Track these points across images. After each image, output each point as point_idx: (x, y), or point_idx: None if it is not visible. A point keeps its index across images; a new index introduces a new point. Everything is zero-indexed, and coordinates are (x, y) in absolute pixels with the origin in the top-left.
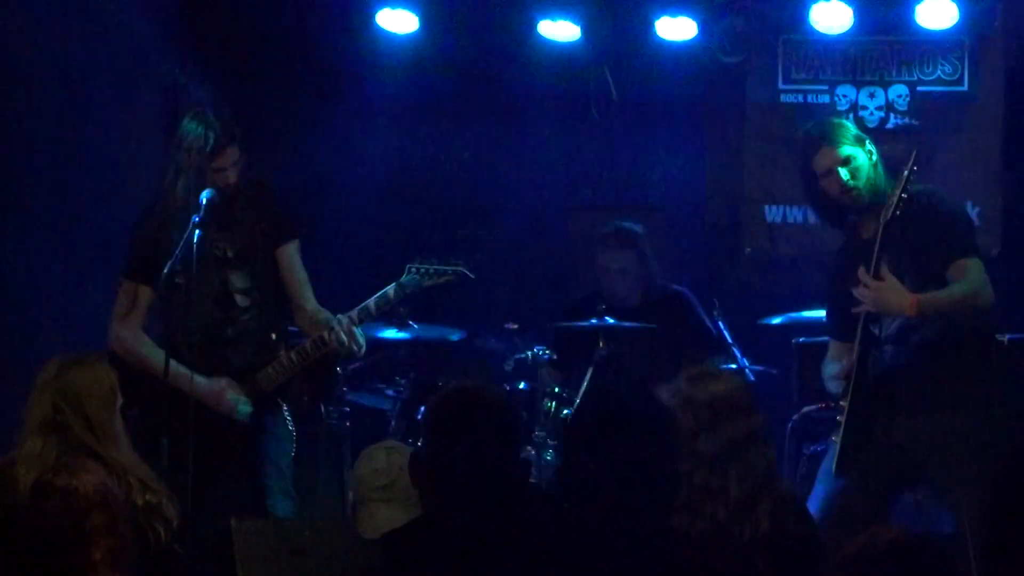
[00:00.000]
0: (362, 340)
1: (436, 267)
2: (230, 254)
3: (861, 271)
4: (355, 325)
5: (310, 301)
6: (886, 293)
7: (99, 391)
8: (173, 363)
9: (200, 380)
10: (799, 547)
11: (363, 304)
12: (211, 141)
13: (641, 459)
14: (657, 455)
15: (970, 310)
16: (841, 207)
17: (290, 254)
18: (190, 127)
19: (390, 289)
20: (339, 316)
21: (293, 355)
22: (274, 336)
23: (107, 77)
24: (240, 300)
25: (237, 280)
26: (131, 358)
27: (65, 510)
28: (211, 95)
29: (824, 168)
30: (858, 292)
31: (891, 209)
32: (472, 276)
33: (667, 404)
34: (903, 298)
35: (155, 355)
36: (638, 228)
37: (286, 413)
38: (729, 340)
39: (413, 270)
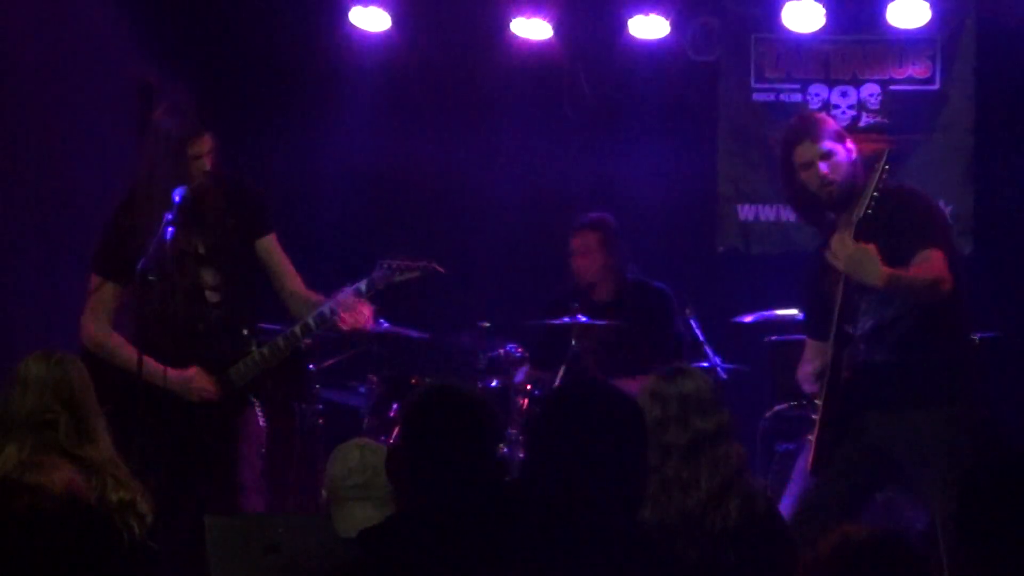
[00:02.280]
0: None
1: (406, 262)
2: (201, 250)
3: (842, 234)
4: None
5: (300, 286)
6: (862, 255)
7: (85, 385)
8: (146, 358)
9: (172, 372)
10: (768, 540)
11: (334, 300)
12: (186, 128)
13: (607, 452)
14: (623, 447)
15: (930, 296)
16: (819, 203)
17: (270, 245)
18: (164, 118)
19: (361, 284)
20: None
21: (265, 350)
22: (246, 332)
23: (81, 78)
24: (211, 296)
25: (208, 276)
26: (102, 354)
27: (33, 508)
28: (183, 93)
29: (804, 161)
30: (832, 252)
31: (864, 207)
32: (442, 272)
33: (636, 397)
34: (876, 267)
35: (126, 350)
36: (608, 216)
37: (258, 409)
38: (701, 338)
39: (384, 265)
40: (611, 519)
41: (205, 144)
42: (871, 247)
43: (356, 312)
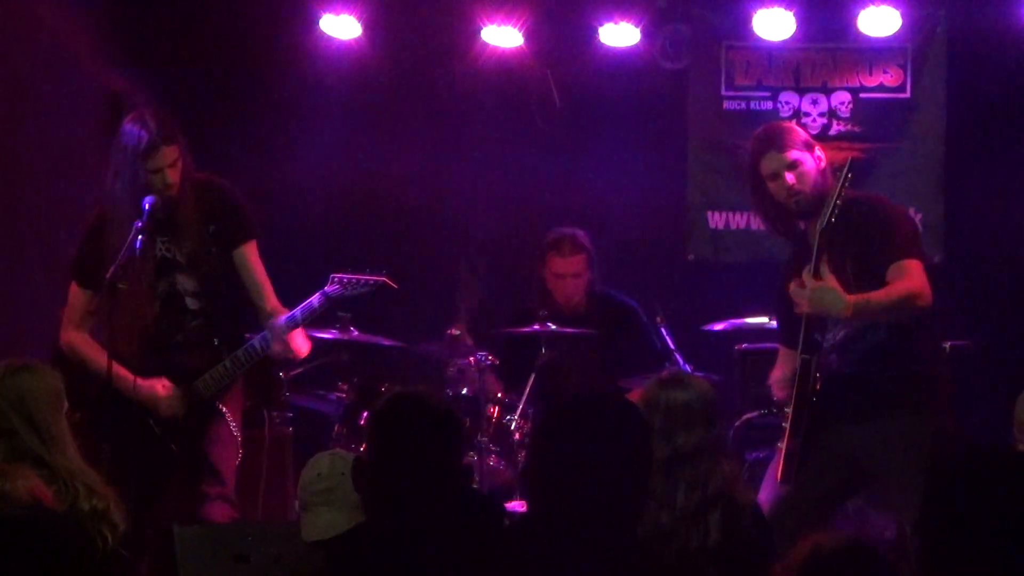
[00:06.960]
0: (302, 344)
1: (359, 277)
2: (179, 258)
3: (805, 272)
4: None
5: (270, 301)
6: (822, 293)
7: (46, 395)
8: (116, 366)
9: (141, 383)
10: (753, 556)
11: (290, 314)
12: (145, 142)
13: (611, 464)
14: (628, 461)
15: (908, 311)
16: (787, 212)
17: (247, 255)
18: (126, 128)
19: (315, 300)
20: (268, 324)
21: (228, 363)
22: (217, 342)
23: (48, 87)
24: (190, 303)
25: (187, 283)
26: (76, 359)
27: None
28: (151, 100)
29: (770, 172)
30: (794, 291)
31: (827, 216)
32: (395, 287)
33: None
34: (839, 299)
35: (98, 356)
36: (585, 232)
37: (230, 419)
38: (672, 346)
39: (336, 280)
40: (610, 533)
41: (164, 158)
42: (830, 280)
43: (287, 341)
